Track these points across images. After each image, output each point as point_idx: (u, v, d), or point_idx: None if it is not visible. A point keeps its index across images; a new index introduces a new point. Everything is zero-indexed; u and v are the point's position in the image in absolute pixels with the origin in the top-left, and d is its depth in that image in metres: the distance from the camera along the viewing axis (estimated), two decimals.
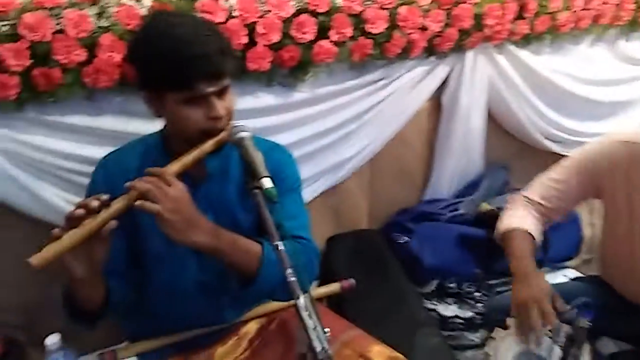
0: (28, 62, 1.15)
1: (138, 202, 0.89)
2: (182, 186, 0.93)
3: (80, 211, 0.87)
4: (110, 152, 1.17)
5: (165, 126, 1.12)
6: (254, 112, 1.51)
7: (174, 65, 0.95)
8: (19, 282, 1.38)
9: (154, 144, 1.13)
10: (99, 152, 1.30)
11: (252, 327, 1.26)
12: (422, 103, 1.92)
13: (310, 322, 0.70)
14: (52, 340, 1.10)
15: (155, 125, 1.34)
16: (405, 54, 1.73)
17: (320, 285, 1.64)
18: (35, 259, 0.82)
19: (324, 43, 1.51)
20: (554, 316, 1.11)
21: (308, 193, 1.69)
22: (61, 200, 1.32)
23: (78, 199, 1.02)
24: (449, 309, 1.66)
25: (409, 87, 1.84)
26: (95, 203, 0.88)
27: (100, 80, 1.24)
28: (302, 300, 0.72)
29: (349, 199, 1.93)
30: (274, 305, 1.25)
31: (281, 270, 0.99)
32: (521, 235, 1.29)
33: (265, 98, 1.54)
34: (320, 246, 1.86)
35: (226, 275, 1.09)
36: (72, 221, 0.87)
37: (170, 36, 0.96)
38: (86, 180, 1.31)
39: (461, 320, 1.62)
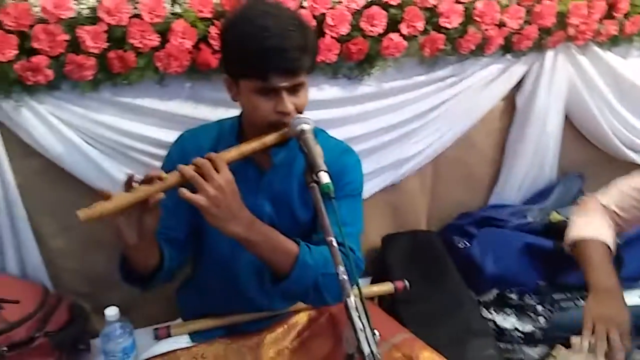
0: (105, 45, 1.19)
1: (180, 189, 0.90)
2: (229, 175, 0.93)
3: (138, 177, 0.92)
4: (189, 130, 1.21)
5: (241, 113, 1.14)
6: (317, 103, 1.49)
7: (250, 53, 0.96)
8: (86, 253, 1.46)
9: (229, 128, 1.15)
10: (166, 134, 1.35)
11: (301, 318, 1.26)
12: (494, 103, 1.84)
13: (359, 324, 0.67)
14: (111, 312, 1.16)
15: (222, 113, 1.36)
16: (479, 50, 1.65)
17: (372, 283, 1.62)
18: (82, 213, 0.86)
19: (394, 36, 1.47)
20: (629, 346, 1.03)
21: (367, 189, 1.65)
22: None
23: None
24: (507, 321, 1.58)
25: (481, 86, 1.76)
26: (154, 174, 0.92)
27: (171, 65, 1.27)
28: (352, 300, 0.69)
29: (409, 198, 1.88)
30: None
31: (314, 274, 1.00)
32: (598, 246, 1.21)
33: (330, 90, 1.52)
34: (375, 243, 1.83)
35: None
36: (127, 186, 0.92)
37: (254, 24, 0.96)
38: (152, 161, 1.36)
39: (520, 334, 1.54)
